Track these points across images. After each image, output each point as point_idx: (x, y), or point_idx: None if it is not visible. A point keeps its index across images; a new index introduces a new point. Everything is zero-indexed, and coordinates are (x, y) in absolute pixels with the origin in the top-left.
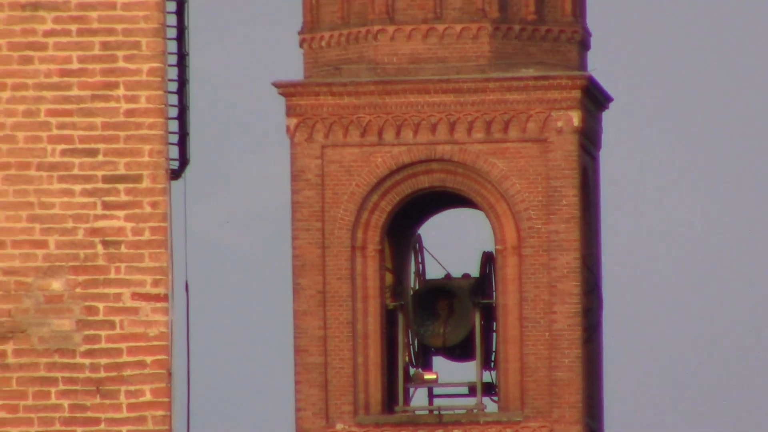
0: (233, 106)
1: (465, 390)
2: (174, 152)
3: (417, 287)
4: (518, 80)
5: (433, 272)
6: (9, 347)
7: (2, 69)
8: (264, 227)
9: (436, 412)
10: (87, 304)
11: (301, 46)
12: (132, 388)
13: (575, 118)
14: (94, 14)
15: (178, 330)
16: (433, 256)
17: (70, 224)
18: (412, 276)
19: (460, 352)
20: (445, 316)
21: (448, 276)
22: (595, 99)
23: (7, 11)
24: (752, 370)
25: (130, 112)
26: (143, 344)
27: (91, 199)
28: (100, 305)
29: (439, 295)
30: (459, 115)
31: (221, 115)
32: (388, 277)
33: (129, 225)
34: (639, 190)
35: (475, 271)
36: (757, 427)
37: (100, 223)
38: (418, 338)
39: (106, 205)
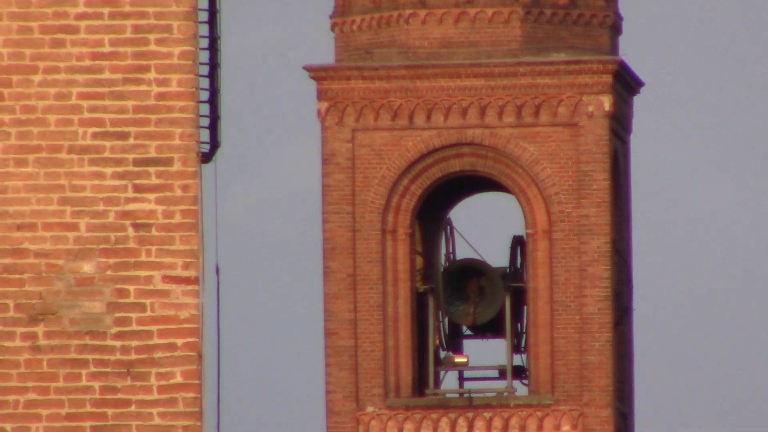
0: (264, 89)
1: (495, 373)
2: (205, 135)
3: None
4: (549, 64)
5: (464, 255)
6: (40, 329)
7: (34, 52)
8: (295, 211)
9: (466, 395)
10: (118, 286)
11: (332, 29)
12: (162, 370)
13: (606, 102)
14: None
15: (209, 313)
16: (464, 237)
17: (101, 207)
18: (443, 259)
19: (490, 330)
20: (476, 297)
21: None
22: (626, 83)
23: None
24: None
25: (161, 96)
26: (174, 327)
27: (122, 182)
28: (131, 288)
29: (470, 275)
30: (490, 99)
31: (252, 99)
32: (419, 261)
33: (160, 208)
34: (670, 175)
35: (505, 256)
36: None
37: (131, 206)
38: (448, 317)
39: (137, 188)
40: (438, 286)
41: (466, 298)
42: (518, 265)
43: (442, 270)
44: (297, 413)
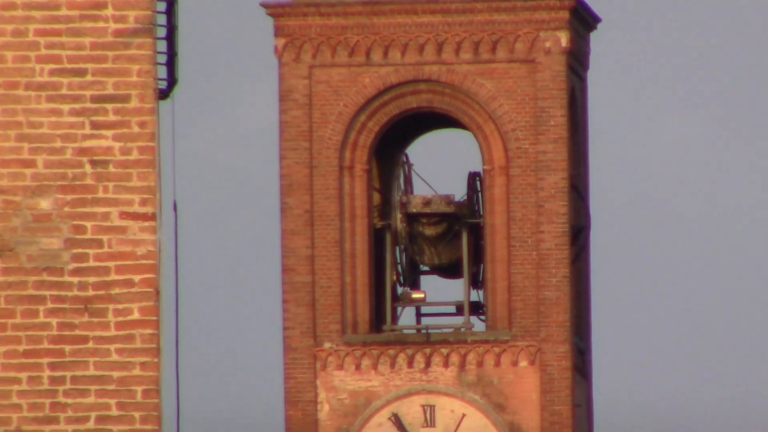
0: (222, 26)
1: (452, 309)
2: (162, 72)
3: (406, 220)
4: (506, 0)
5: (420, 191)
6: None
7: None
8: (252, 147)
9: (423, 331)
10: (75, 223)
11: None
12: (120, 306)
13: (563, 38)
14: None
15: (166, 249)
16: (419, 175)
17: (58, 144)
18: (398, 196)
19: (449, 269)
20: (435, 238)
21: (427, 201)
22: (583, 20)
23: None
24: (740, 286)
25: (118, 32)
26: (131, 263)
27: (80, 119)
28: (88, 224)
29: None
30: (447, 35)
31: (210, 36)
32: (376, 197)
33: (117, 144)
34: (627, 111)
35: (462, 191)
36: (747, 332)
37: (89, 143)
38: (407, 256)
39: (95, 125)
40: (397, 226)
41: (425, 239)
42: (475, 201)
43: (404, 226)
44: (255, 349)
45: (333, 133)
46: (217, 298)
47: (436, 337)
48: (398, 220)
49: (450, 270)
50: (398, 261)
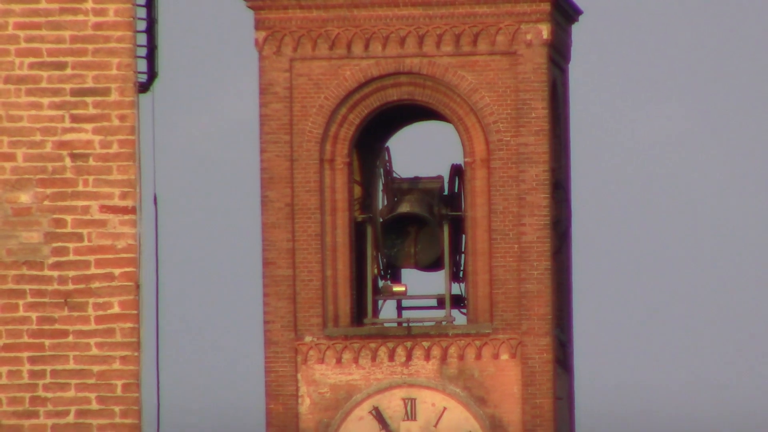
0: (202, 19)
1: (434, 302)
2: (142, 65)
3: (386, 214)
4: None
5: (401, 182)
6: None
7: None
8: (232, 140)
9: (405, 325)
10: (55, 216)
11: None
12: (100, 300)
13: (544, 30)
14: None
15: (147, 243)
16: (397, 175)
17: (38, 137)
18: (380, 189)
19: (430, 263)
20: (415, 234)
21: (416, 178)
22: (564, 12)
23: None
24: (721, 278)
25: (98, 26)
26: (111, 257)
27: (59, 112)
28: (68, 218)
29: (409, 221)
30: (428, 27)
31: (190, 29)
32: (357, 190)
33: (97, 138)
34: (608, 103)
35: (445, 177)
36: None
37: (68, 136)
38: (388, 259)
39: (74, 118)
40: (376, 227)
41: (405, 236)
42: (457, 194)
43: (380, 221)
44: (235, 343)
45: (314, 126)
46: (197, 291)
47: (417, 331)
48: (381, 174)
49: (430, 264)
50: (379, 254)
